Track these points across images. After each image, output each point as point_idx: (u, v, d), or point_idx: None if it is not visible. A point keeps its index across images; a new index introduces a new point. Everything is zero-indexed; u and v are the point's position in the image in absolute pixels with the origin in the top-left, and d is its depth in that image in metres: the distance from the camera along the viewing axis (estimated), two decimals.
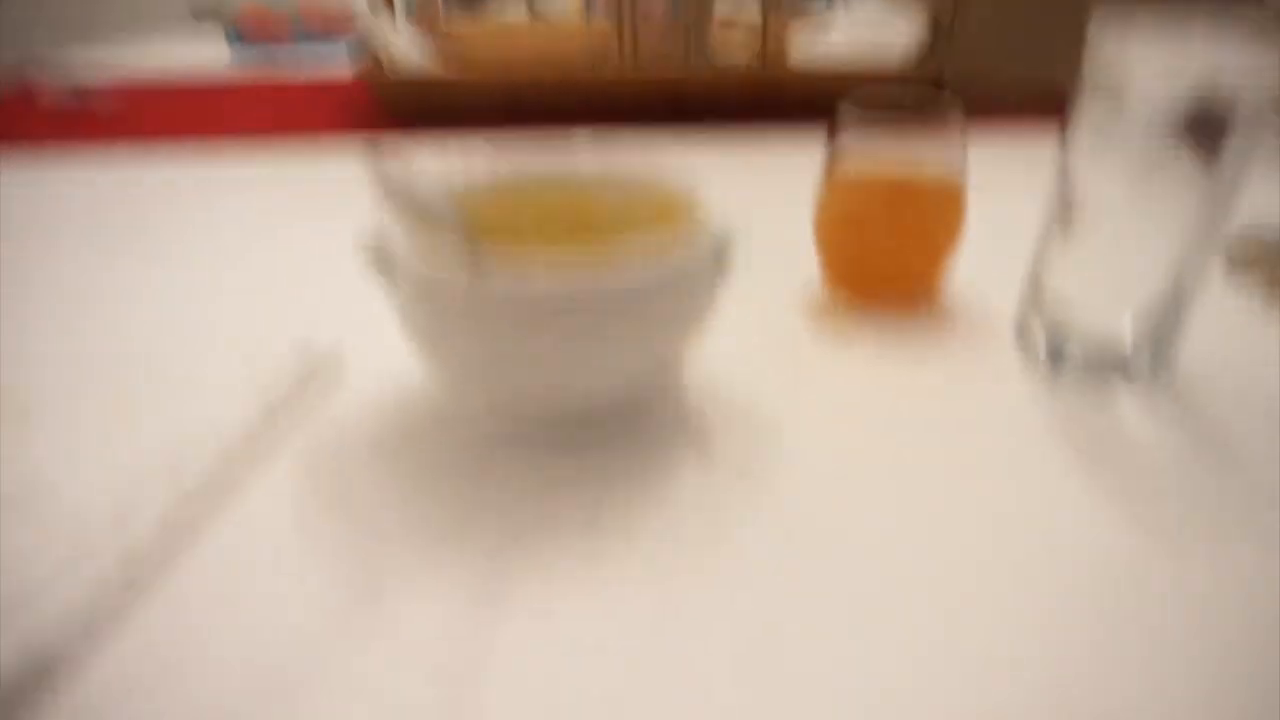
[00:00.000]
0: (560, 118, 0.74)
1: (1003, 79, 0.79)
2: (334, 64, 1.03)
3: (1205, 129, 0.31)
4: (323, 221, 0.55)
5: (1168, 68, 0.31)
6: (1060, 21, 0.75)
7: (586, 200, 0.34)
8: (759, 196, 0.58)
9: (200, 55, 1.12)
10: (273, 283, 0.46)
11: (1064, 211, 0.36)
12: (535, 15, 1.04)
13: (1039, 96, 0.73)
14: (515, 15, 1.26)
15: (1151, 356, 0.36)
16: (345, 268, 0.43)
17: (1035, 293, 0.38)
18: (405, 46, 0.78)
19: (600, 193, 0.34)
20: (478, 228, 0.29)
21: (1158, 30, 0.32)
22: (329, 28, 1.16)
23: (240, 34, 1.11)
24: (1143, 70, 0.32)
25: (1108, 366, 0.36)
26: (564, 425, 0.31)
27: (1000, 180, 0.54)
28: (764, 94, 0.75)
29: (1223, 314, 0.42)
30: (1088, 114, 0.34)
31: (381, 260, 0.28)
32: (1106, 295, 0.36)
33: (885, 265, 0.40)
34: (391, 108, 0.76)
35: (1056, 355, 0.37)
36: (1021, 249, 0.41)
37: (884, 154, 0.39)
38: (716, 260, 0.29)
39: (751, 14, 0.82)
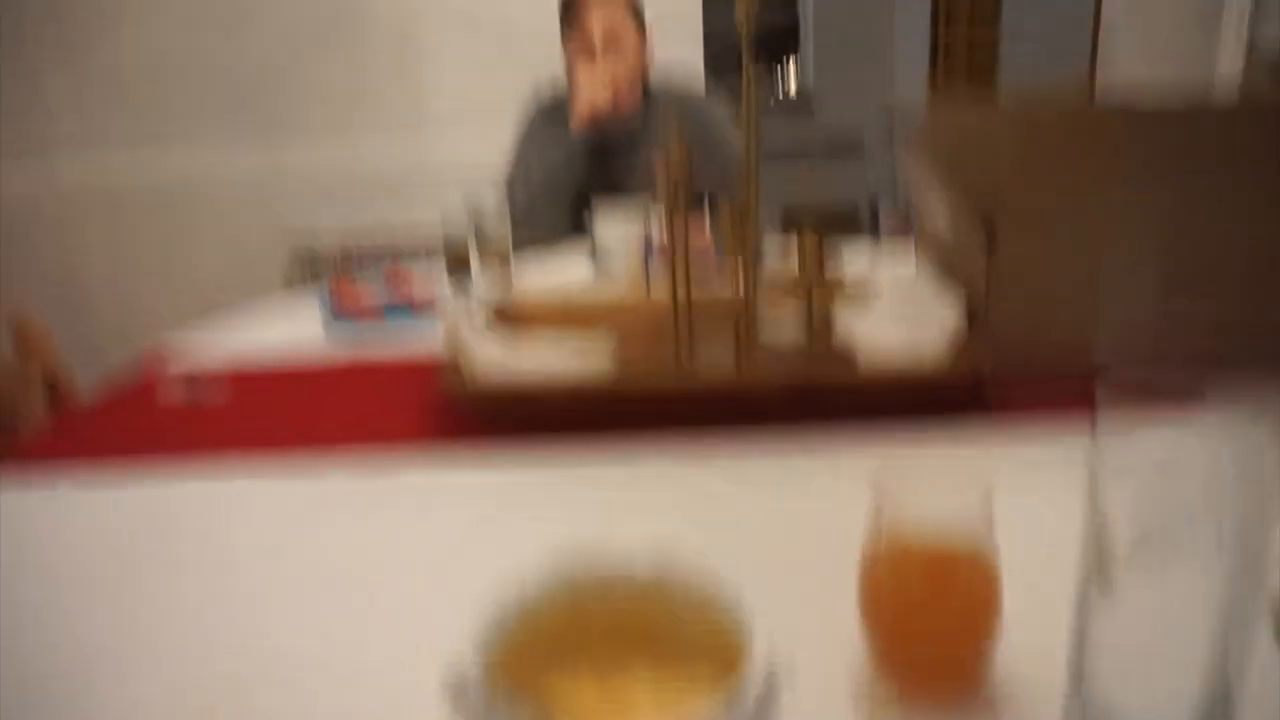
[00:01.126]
0: (623, 420, 0.80)
1: (1036, 369, 0.84)
2: (422, 339, 1.14)
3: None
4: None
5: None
6: (1091, 314, 0.80)
7: (640, 609, 0.38)
8: (806, 536, 0.61)
9: (298, 331, 1.24)
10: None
11: (1100, 566, 0.37)
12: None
13: (1071, 389, 0.77)
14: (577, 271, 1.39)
15: None
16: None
17: (1077, 677, 0.40)
18: (482, 345, 0.86)
19: (654, 603, 0.38)
20: (543, 636, 0.33)
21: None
22: (416, 302, 1.28)
23: (333, 308, 1.23)
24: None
25: None
26: None
27: (1033, 501, 0.57)
28: (812, 390, 0.80)
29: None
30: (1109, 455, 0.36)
31: (459, 698, 0.32)
32: (1150, 673, 0.37)
33: (933, 652, 0.43)
34: (470, 409, 0.83)
35: None
36: (1062, 606, 0.42)
37: (921, 521, 0.42)
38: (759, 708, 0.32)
39: (799, 287, 0.88)
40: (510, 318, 1.08)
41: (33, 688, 0.49)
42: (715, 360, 0.92)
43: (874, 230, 6.12)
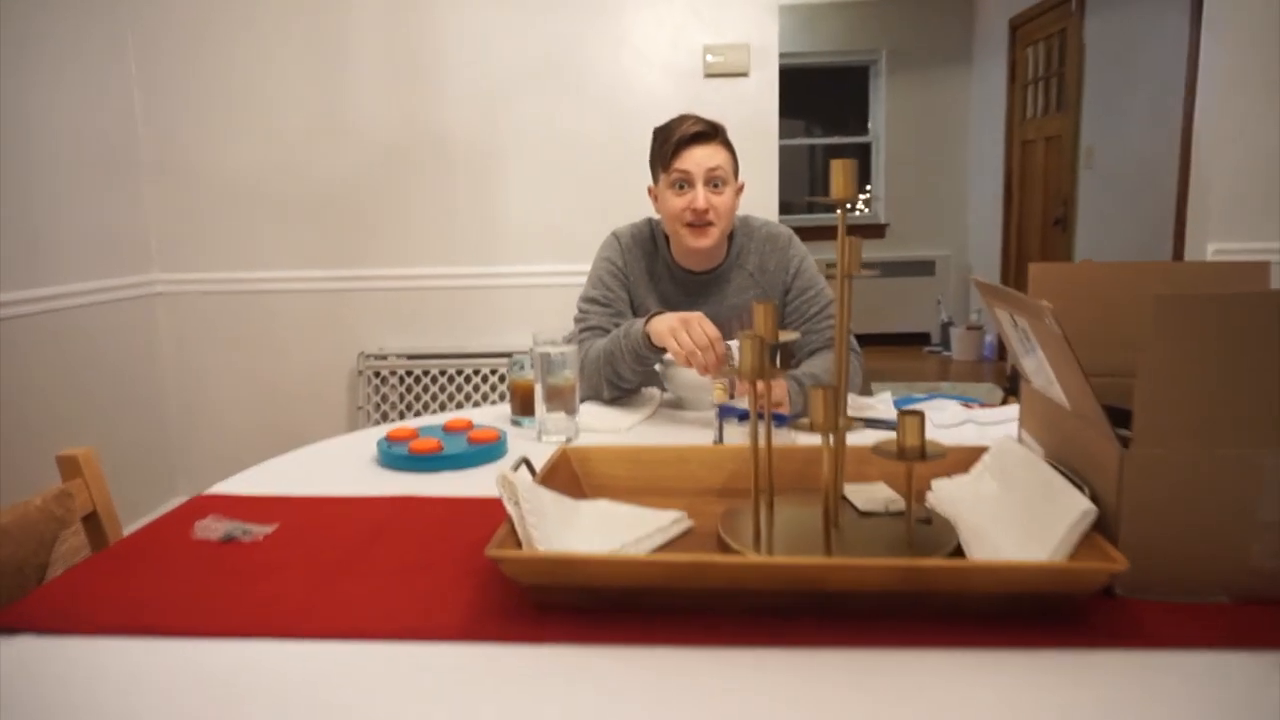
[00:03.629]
0: (690, 606, 0.71)
1: (1174, 591, 0.72)
2: (482, 480, 1.07)
3: None
4: None
5: None
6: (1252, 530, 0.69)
7: None
8: None
9: (357, 475, 1.18)
10: None
11: None
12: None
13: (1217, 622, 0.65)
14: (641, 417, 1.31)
15: None
16: None
17: None
18: (539, 521, 0.78)
19: None
20: None
21: None
22: (475, 439, 1.21)
23: (391, 453, 1.18)
24: None
25: None
26: None
27: None
28: (911, 589, 0.70)
29: None
30: None
31: None
32: None
33: None
34: (523, 584, 0.75)
35: None
36: None
37: None
38: None
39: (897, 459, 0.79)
40: (572, 468, 1.01)
41: None
42: (795, 546, 0.83)
43: (945, 347, 6.00)
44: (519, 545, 0.76)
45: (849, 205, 0.83)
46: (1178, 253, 3.43)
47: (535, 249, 2.89)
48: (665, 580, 0.71)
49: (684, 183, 1.53)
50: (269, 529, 0.94)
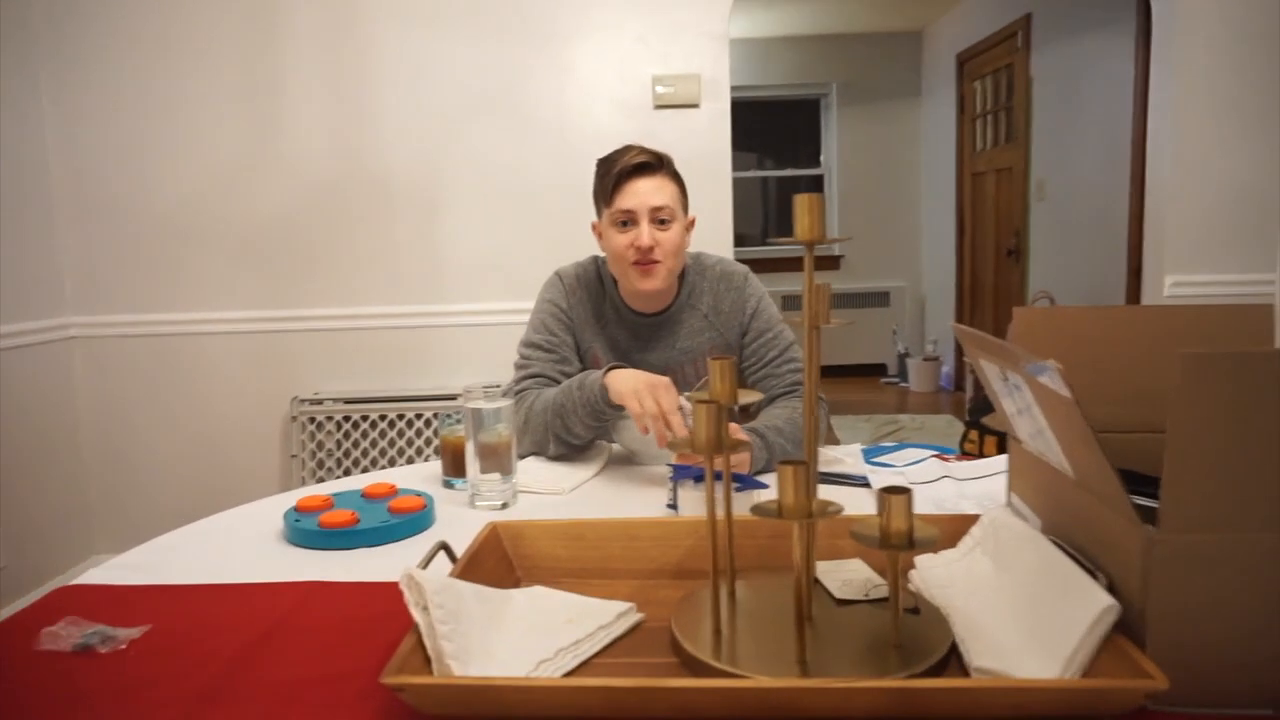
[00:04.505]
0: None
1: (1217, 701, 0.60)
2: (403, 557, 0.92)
3: None
4: None
5: None
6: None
7: None
8: None
9: (258, 554, 1.03)
10: None
11: None
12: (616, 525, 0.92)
13: None
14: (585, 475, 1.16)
15: None
16: None
17: None
18: (451, 639, 0.64)
19: None
20: None
21: None
22: (397, 510, 1.07)
23: (300, 528, 1.03)
24: None
25: None
26: None
27: None
28: (906, 714, 0.57)
29: None
30: None
31: None
32: None
33: None
34: (431, 716, 0.61)
35: None
36: None
37: None
38: None
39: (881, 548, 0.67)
40: (503, 547, 0.87)
41: None
42: (763, 648, 0.70)
43: (902, 378, 5.95)
44: (427, 662, 0.63)
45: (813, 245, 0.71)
46: (1134, 285, 3.41)
47: (481, 287, 2.76)
48: (606, 710, 0.58)
49: (628, 220, 1.41)
50: (136, 632, 0.79)
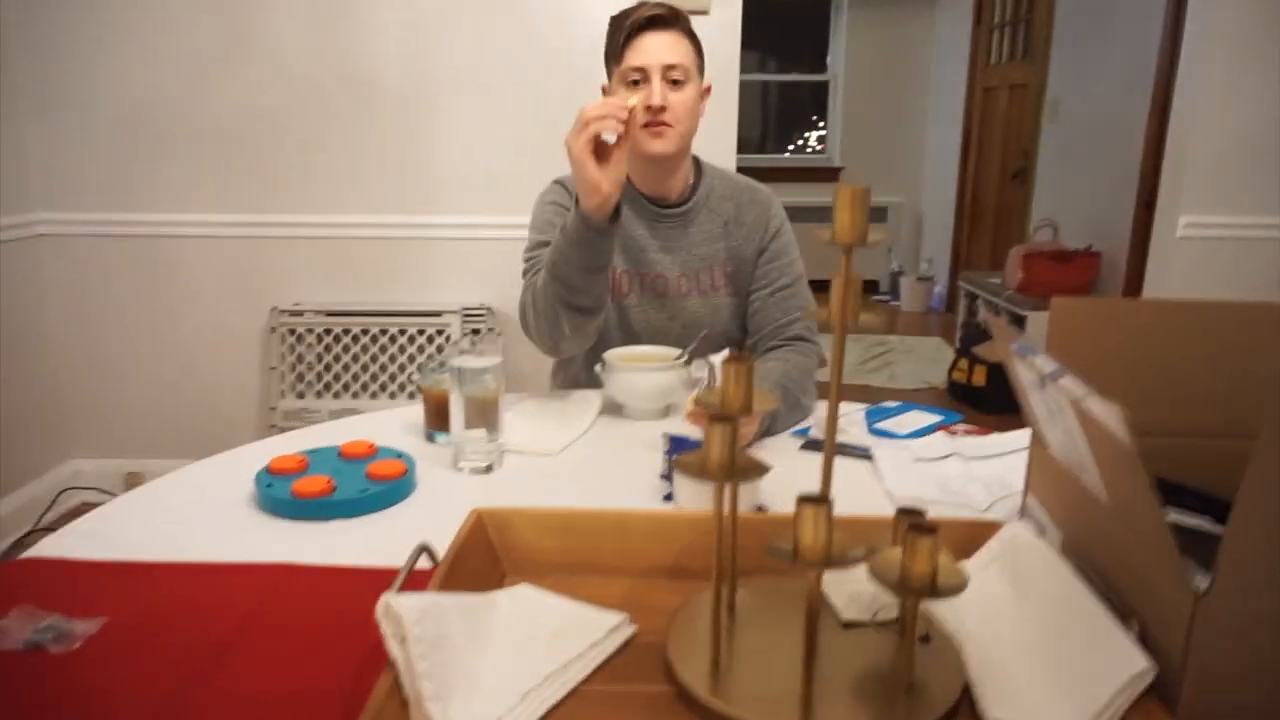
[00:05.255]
0: None
1: None
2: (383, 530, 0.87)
3: None
4: None
5: None
6: None
7: None
8: None
9: (229, 522, 0.97)
10: None
11: None
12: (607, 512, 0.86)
13: None
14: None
15: None
16: None
17: None
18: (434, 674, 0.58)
19: None
20: None
21: None
22: (376, 476, 1.01)
23: (271, 495, 0.97)
24: None
25: None
26: None
27: None
28: None
29: None
30: None
31: None
32: None
33: None
34: None
35: None
36: None
37: None
38: None
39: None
40: (488, 538, 0.82)
41: None
42: (763, 682, 0.65)
43: (893, 295, 5.89)
44: (404, 705, 0.57)
45: (852, 248, 0.63)
46: (1143, 219, 3.32)
47: (471, 198, 2.63)
48: None
49: (639, 79, 1.31)
50: (93, 626, 0.74)
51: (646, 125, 1.30)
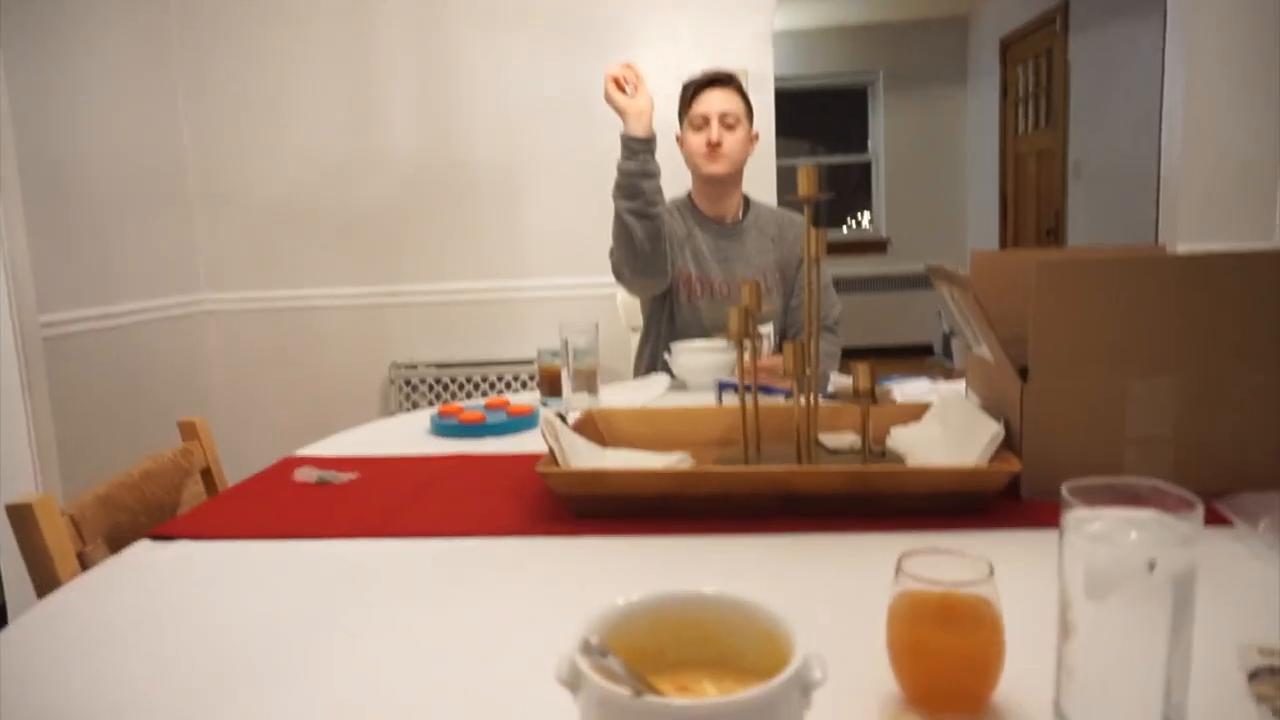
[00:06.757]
0: (695, 509, 0.92)
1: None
2: (521, 443, 1.29)
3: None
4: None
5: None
6: (1115, 440, 0.90)
7: (707, 618, 0.49)
8: (845, 606, 0.72)
9: (410, 438, 1.40)
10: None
11: (1063, 615, 0.49)
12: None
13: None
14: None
15: None
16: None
17: (1057, 698, 0.50)
18: (574, 445, 1.00)
19: (717, 613, 0.49)
20: (631, 651, 0.45)
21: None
22: (514, 411, 1.43)
23: (442, 424, 1.40)
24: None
25: None
26: None
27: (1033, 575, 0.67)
28: (861, 490, 0.91)
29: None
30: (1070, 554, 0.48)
31: (571, 680, 0.44)
32: (1109, 695, 0.48)
33: (949, 684, 0.53)
34: (562, 494, 0.96)
35: None
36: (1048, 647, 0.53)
37: (936, 582, 0.53)
38: (803, 688, 0.43)
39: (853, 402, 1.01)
40: (597, 427, 1.23)
41: (187, 700, 0.63)
42: (777, 459, 1.04)
43: (947, 357, 6.19)
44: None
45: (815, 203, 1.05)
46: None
47: (557, 263, 3.12)
48: (674, 487, 0.93)
49: (701, 125, 1.83)
50: (352, 476, 1.17)
51: (705, 154, 1.79)
